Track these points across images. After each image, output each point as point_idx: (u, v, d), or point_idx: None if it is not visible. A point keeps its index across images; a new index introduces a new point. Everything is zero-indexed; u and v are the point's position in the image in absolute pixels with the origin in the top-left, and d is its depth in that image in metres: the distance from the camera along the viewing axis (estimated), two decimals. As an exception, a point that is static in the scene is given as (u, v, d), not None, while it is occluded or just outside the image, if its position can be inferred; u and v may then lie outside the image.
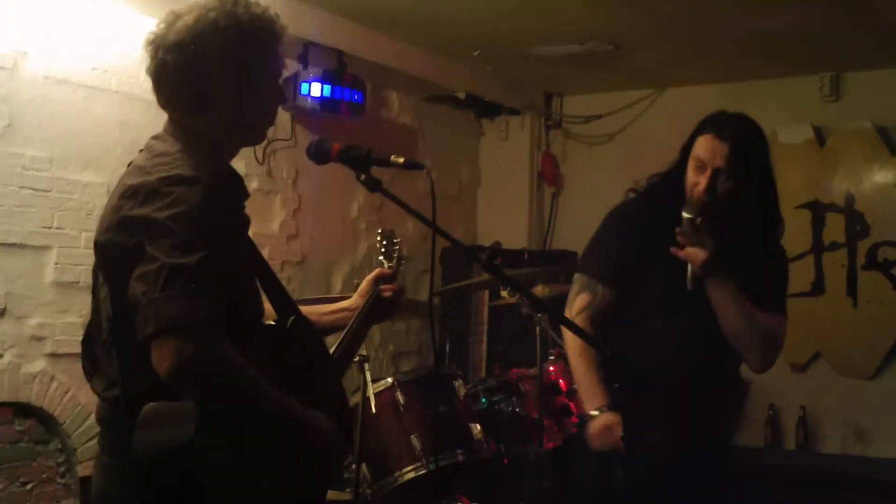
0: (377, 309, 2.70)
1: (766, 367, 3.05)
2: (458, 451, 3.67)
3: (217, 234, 2.03)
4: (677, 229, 2.90)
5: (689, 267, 2.91)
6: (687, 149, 3.03)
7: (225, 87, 2.17)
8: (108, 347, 2.12)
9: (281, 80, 2.35)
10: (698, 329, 2.99)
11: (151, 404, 1.97)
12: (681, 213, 2.91)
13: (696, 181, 2.95)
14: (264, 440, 2.07)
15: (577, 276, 3.14)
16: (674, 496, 2.92)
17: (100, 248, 2.13)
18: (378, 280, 2.73)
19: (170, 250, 1.95)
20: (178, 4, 2.19)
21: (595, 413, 2.94)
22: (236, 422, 2.02)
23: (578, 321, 2.99)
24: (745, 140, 2.96)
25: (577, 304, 3.05)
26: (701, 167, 2.94)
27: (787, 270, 3.16)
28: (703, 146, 2.96)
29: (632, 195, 3.21)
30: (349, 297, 2.75)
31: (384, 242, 2.92)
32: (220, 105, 2.18)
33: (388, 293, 2.72)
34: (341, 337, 2.61)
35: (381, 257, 2.89)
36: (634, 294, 3.05)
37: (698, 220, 2.88)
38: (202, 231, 2.00)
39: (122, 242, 2.03)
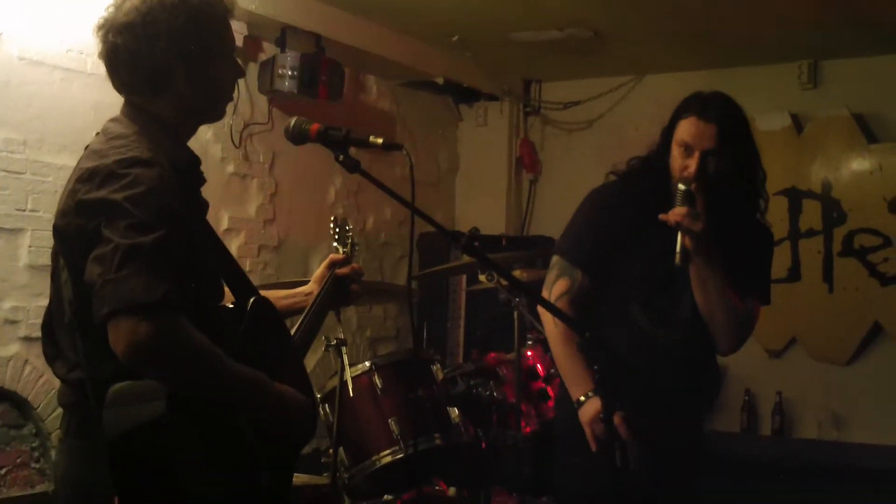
0: (335, 292, 2.74)
1: (734, 350, 3.06)
2: (437, 435, 3.67)
3: (173, 215, 2.03)
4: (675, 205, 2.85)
5: (680, 240, 2.82)
6: (668, 132, 2.99)
7: (178, 66, 2.17)
8: (71, 331, 2.11)
9: (235, 54, 2.34)
10: (677, 316, 2.98)
11: (119, 384, 1.97)
12: (675, 187, 2.87)
13: (684, 165, 2.90)
14: (232, 414, 2.07)
15: (555, 258, 3.09)
16: (653, 487, 2.89)
17: (58, 232, 2.12)
18: (333, 265, 2.76)
19: (125, 231, 1.95)
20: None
21: (583, 399, 2.92)
22: (202, 397, 2.02)
23: (559, 306, 2.94)
24: (730, 119, 2.93)
25: (556, 290, 3.01)
26: (688, 151, 2.90)
27: (770, 254, 3.14)
28: (689, 129, 2.91)
29: (612, 178, 3.17)
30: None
31: (337, 229, 2.98)
32: (175, 87, 2.19)
33: (347, 271, 2.76)
34: (300, 320, 2.63)
35: (335, 243, 2.94)
36: (612, 280, 3.01)
37: (693, 186, 2.84)
38: (159, 212, 1.99)
39: (80, 226, 2.03)
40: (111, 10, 2.18)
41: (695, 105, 2.95)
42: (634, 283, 3.00)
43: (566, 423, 3.04)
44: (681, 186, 2.85)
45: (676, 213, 2.81)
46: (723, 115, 2.91)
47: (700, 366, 3.09)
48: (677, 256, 2.82)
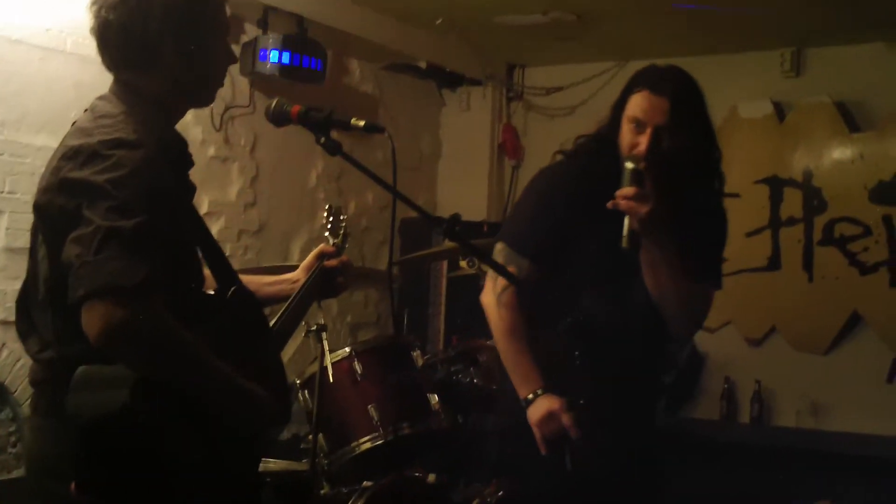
0: (321, 283, 2.71)
1: (687, 336, 2.98)
2: (416, 422, 3.66)
3: (157, 199, 2.01)
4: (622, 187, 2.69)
5: (627, 223, 2.66)
6: (619, 108, 2.81)
7: (171, 45, 2.15)
8: (44, 309, 2.10)
9: (229, 38, 2.33)
10: (632, 303, 2.86)
11: (85, 367, 1.95)
12: (622, 165, 2.71)
13: (634, 142, 2.73)
14: (200, 406, 2.05)
15: (500, 246, 2.92)
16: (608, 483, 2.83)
17: (39, 208, 2.11)
18: (322, 256, 2.73)
19: (106, 213, 1.93)
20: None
21: (531, 397, 2.81)
22: (168, 388, 1.99)
23: (504, 298, 2.87)
24: (684, 93, 2.75)
25: (501, 281, 2.86)
26: (639, 127, 2.73)
27: (723, 235, 2.98)
28: (640, 104, 2.73)
29: (559, 157, 3.01)
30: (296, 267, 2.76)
31: (331, 219, 2.94)
32: (167, 65, 2.17)
33: (335, 263, 2.72)
34: (283, 309, 2.60)
35: (326, 233, 2.91)
36: (562, 266, 2.87)
37: (641, 165, 2.68)
38: (141, 195, 1.98)
39: (61, 205, 2.02)
40: None
41: (647, 78, 2.78)
42: (585, 269, 2.86)
43: (513, 418, 2.92)
44: (628, 165, 2.69)
45: (623, 194, 2.65)
46: (676, 89, 2.74)
47: (655, 353, 3.02)
48: (624, 240, 2.67)
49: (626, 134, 2.77)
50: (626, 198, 2.64)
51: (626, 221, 2.66)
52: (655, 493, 3.02)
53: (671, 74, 2.80)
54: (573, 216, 2.86)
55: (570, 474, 2.75)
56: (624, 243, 2.67)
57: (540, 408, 2.79)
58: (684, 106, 2.73)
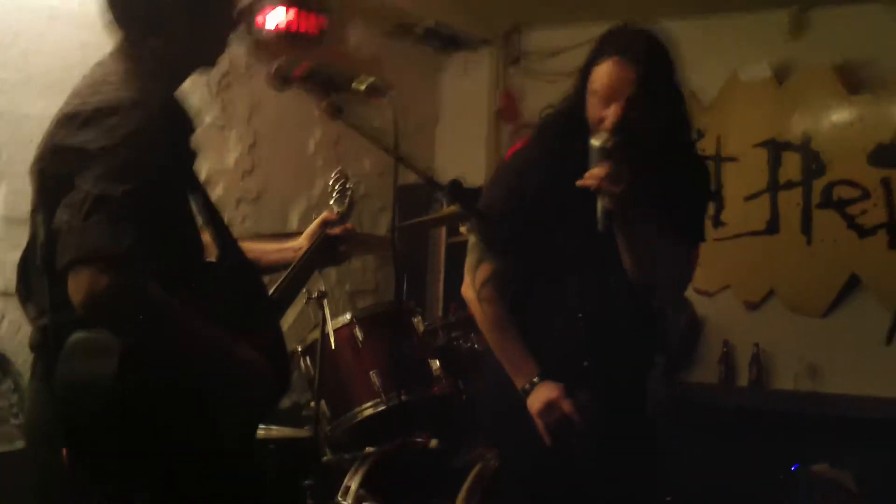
0: (324, 251, 2.71)
1: (668, 304, 2.93)
2: (418, 387, 3.67)
3: (149, 167, 2.00)
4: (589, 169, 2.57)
5: (600, 203, 2.56)
6: (583, 78, 2.66)
7: (176, 4, 2.14)
8: (41, 274, 2.10)
9: (235, 3, 2.31)
10: (614, 286, 2.77)
11: (77, 334, 1.96)
12: (589, 143, 2.58)
13: (601, 116, 2.59)
14: (189, 377, 2.05)
15: (473, 239, 2.85)
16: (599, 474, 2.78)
17: (35, 174, 2.11)
18: (325, 224, 2.73)
19: (97, 180, 1.93)
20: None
21: (528, 387, 2.74)
22: (160, 356, 1.99)
23: (484, 293, 2.79)
24: (651, 61, 2.59)
25: (479, 276, 2.79)
26: (605, 99, 2.58)
27: (704, 192, 2.89)
28: (607, 74, 2.58)
29: (526, 132, 2.90)
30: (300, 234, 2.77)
31: (337, 186, 2.92)
32: (172, 25, 2.16)
33: (338, 231, 2.73)
34: (283, 276, 2.60)
35: (332, 202, 2.89)
36: (540, 254, 2.77)
37: (609, 143, 2.54)
38: (133, 163, 1.97)
39: (55, 170, 2.02)
40: None
41: (611, 46, 2.63)
42: (565, 255, 2.76)
43: (504, 404, 2.87)
44: (594, 143, 2.56)
45: (592, 174, 2.53)
46: (643, 58, 2.58)
47: (642, 335, 2.93)
48: (599, 222, 2.58)
49: (592, 107, 2.64)
50: (596, 178, 2.53)
51: (599, 202, 2.57)
52: (650, 475, 2.97)
53: (637, 41, 2.64)
54: (545, 204, 2.74)
55: (572, 461, 2.75)
56: (599, 226, 2.59)
57: (539, 397, 2.73)
58: (652, 76, 2.58)
